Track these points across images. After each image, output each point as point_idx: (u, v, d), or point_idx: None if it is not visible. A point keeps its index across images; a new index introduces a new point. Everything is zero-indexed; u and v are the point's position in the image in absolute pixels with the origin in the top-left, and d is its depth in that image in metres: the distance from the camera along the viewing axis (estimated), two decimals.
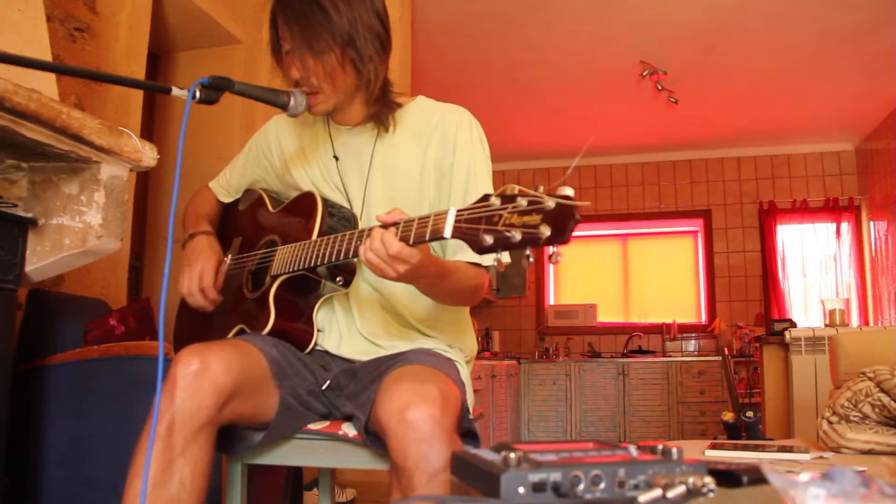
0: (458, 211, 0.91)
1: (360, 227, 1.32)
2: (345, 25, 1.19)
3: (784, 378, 3.57)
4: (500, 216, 0.84)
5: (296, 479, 2.15)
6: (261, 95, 1.19)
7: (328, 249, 1.17)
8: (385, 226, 1.03)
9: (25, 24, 1.59)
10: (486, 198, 0.88)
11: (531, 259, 0.83)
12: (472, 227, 0.88)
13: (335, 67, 1.21)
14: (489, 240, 0.85)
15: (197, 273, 1.35)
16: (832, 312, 3.72)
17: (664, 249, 6.52)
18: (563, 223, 0.79)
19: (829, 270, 5.93)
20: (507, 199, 0.85)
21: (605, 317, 6.37)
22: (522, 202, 0.82)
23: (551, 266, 6.57)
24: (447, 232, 0.91)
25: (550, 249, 0.82)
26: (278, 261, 1.29)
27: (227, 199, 1.59)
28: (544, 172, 6.70)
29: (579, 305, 6.36)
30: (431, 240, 0.96)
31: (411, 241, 0.99)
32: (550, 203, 0.80)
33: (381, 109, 1.32)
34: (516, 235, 0.82)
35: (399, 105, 1.35)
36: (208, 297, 1.36)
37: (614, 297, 6.46)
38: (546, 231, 0.80)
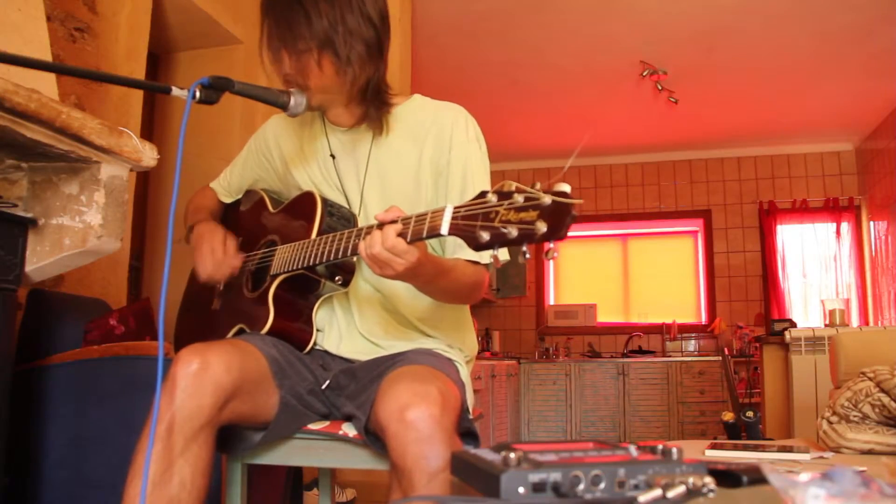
0: (455, 208, 0.91)
1: (359, 226, 1.32)
2: (324, 27, 1.19)
3: (784, 378, 3.57)
4: (497, 213, 0.84)
5: (296, 479, 2.15)
6: (261, 95, 1.19)
7: (326, 248, 1.17)
8: (382, 224, 1.03)
9: (25, 23, 1.59)
10: (482, 195, 0.88)
11: (527, 255, 0.83)
12: (469, 223, 0.88)
13: (311, 67, 1.20)
14: (486, 236, 0.85)
15: (207, 253, 1.35)
16: (832, 312, 3.72)
17: (664, 249, 6.51)
18: (559, 219, 0.79)
19: (829, 270, 5.93)
20: (504, 195, 0.85)
21: (605, 317, 6.37)
22: (519, 199, 0.82)
23: (551, 266, 6.58)
24: (444, 229, 0.91)
25: (547, 246, 0.82)
26: (278, 260, 1.29)
27: (227, 200, 1.59)
28: (544, 172, 6.70)
29: (579, 305, 6.36)
30: (429, 237, 0.96)
31: (409, 239, 0.99)
32: (547, 199, 0.80)
33: (372, 112, 1.31)
34: (513, 232, 0.82)
35: (391, 105, 1.34)
36: (224, 269, 1.35)
37: (614, 297, 6.46)
38: (542, 227, 0.80)
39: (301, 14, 1.18)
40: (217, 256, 1.34)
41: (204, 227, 1.42)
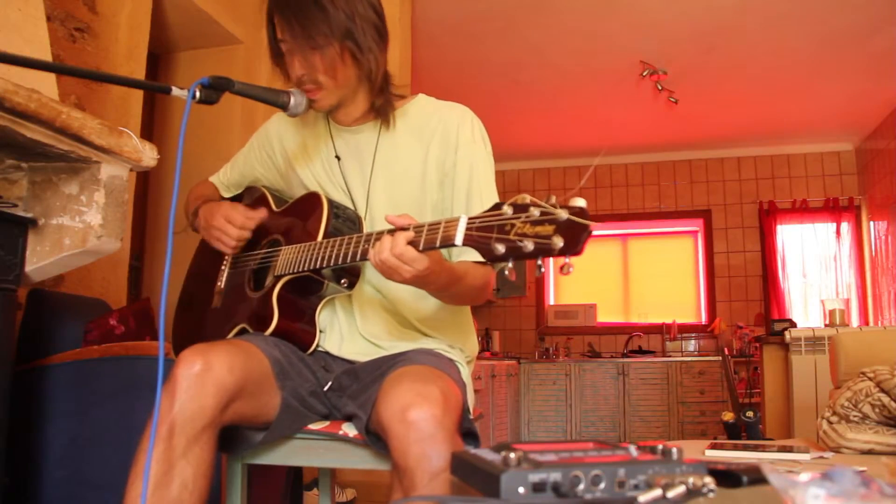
0: (470, 219, 0.91)
1: (365, 228, 1.32)
2: (342, 18, 1.20)
3: (784, 378, 3.57)
4: (513, 225, 0.84)
5: (296, 479, 2.15)
6: (261, 95, 1.19)
7: (335, 252, 1.16)
8: (393, 230, 1.03)
9: (25, 23, 1.59)
10: (498, 206, 0.87)
11: (542, 269, 0.83)
12: (484, 235, 0.88)
13: (335, 60, 1.22)
14: (501, 249, 0.85)
15: (221, 224, 1.33)
16: (832, 312, 3.72)
17: (664, 249, 6.52)
18: (575, 235, 0.79)
19: (829, 270, 5.93)
20: (520, 208, 0.84)
21: (605, 317, 6.37)
22: (535, 212, 0.82)
23: (551, 266, 6.56)
24: (458, 239, 0.91)
25: (562, 260, 0.81)
26: (282, 261, 1.29)
27: (227, 195, 1.59)
28: (544, 172, 6.70)
29: (579, 305, 6.36)
30: (442, 246, 0.96)
31: (421, 248, 0.99)
32: (563, 215, 0.79)
33: (384, 103, 1.32)
34: (529, 245, 0.82)
35: (401, 97, 1.35)
36: (247, 231, 1.34)
37: (614, 297, 6.46)
38: (559, 242, 0.80)
39: (316, 9, 1.18)
40: (237, 221, 1.32)
41: (208, 205, 1.42)
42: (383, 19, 1.29)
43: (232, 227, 1.33)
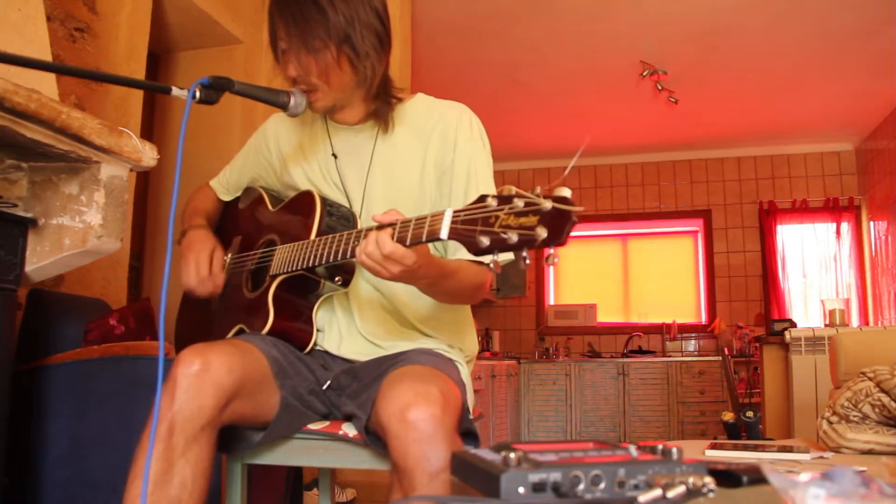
0: (455, 212, 0.91)
1: (360, 226, 1.32)
2: (341, 23, 1.19)
3: (784, 378, 3.57)
4: (497, 217, 0.84)
5: (296, 479, 2.15)
6: (261, 95, 1.19)
7: (326, 249, 1.17)
8: (381, 226, 1.02)
9: (25, 23, 1.59)
10: (482, 199, 0.87)
11: (528, 261, 0.83)
12: (469, 228, 0.87)
13: (331, 65, 1.21)
14: (485, 241, 0.85)
15: (192, 266, 1.37)
16: (832, 312, 3.72)
17: (664, 249, 6.51)
18: (559, 225, 0.79)
19: (829, 270, 5.93)
20: (504, 200, 0.84)
21: (605, 317, 6.37)
22: (519, 203, 0.82)
23: (551, 269, 6.58)
24: (444, 233, 0.91)
25: (547, 251, 0.81)
26: (277, 260, 1.29)
27: (226, 198, 1.59)
28: (544, 172, 6.70)
29: (579, 305, 6.36)
30: (428, 241, 0.96)
31: (408, 243, 0.99)
32: (547, 205, 0.79)
33: (381, 107, 1.32)
34: (513, 237, 0.82)
35: (399, 100, 1.34)
36: (207, 286, 1.37)
37: (614, 297, 6.45)
38: (542, 233, 0.79)
39: (316, 11, 1.18)
40: (201, 273, 1.36)
41: (195, 235, 1.43)
42: (387, 25, 1.28)
43: (193, 276, 1.36)
